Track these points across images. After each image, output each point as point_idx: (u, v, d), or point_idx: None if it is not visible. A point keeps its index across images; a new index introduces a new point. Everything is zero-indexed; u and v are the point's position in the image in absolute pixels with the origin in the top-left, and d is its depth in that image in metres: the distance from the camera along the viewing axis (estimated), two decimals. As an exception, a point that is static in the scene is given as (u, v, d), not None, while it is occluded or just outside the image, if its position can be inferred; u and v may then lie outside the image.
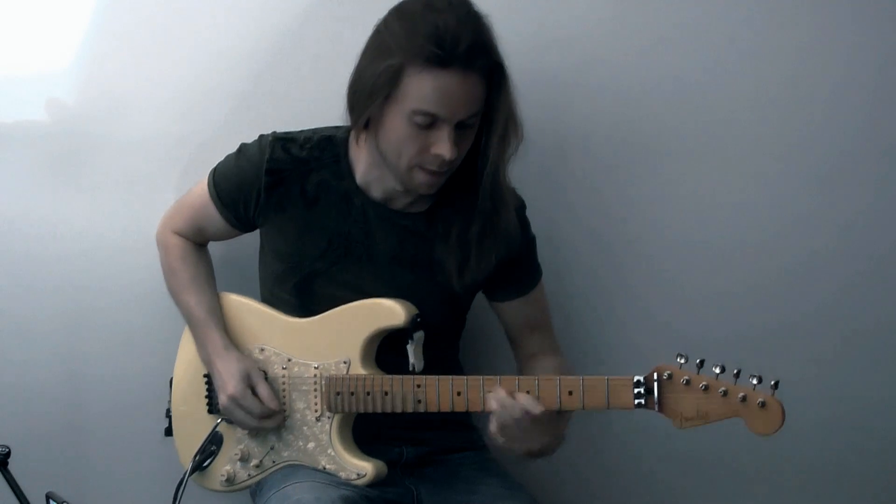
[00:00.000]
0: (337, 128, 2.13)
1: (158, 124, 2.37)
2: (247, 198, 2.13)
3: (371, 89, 1.93)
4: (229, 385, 2.06)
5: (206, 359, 2.13)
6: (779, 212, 2.43)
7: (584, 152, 2.41)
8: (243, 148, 2.15)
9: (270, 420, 2.06)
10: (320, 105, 2.27)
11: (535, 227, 2.19)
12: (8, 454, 1.79)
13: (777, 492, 2.47)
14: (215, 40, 2.36)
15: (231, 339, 2.13)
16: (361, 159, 2.09)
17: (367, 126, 1.99)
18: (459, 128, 1.94)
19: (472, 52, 1.90)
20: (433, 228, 2.11)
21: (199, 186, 2.20)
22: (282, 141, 2.12)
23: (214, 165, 2.18)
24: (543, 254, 2.22)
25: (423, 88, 1.90)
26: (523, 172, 2.11)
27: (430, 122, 1.92)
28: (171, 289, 2.23)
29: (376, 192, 2.10)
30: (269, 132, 2.13)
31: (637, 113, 2.41)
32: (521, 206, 2.16)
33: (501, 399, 1.90)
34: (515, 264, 2.16)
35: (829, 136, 2.41)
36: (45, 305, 2.39)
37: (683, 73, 2.40)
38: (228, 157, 2.17)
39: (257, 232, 2.19)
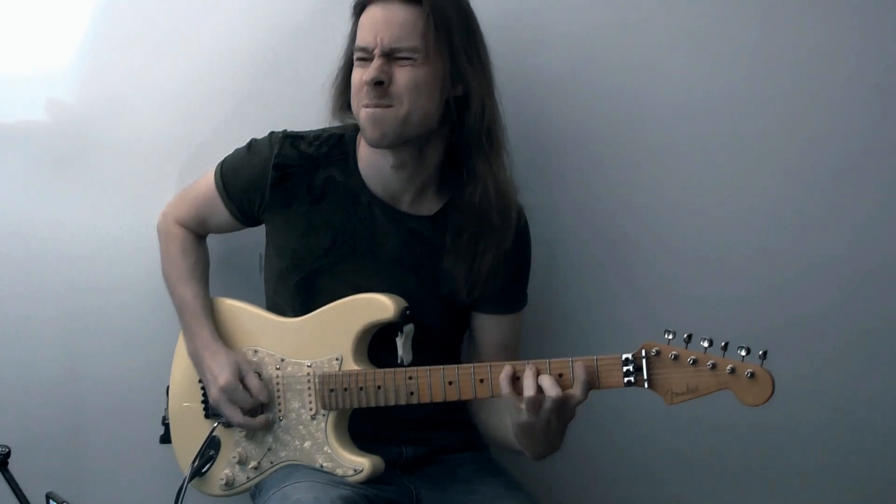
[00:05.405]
0: (345, 127, 2.14)
1: (158, 124, 2.38)
2: (253, 192, 2.14)
3: (344, 61, 2.07)
4: (221, 377, 2.06)
5: (193, 351, 2.13)
6: (780, 213, 2.41)
7: (583, 150, 2.40)
8: (253, 143, 2.17)
9: (259, 419, 2.06)
10: (320, 106, 2.27)
11: (533, 224, 2.18)
12: (8, 454, 1.79)
13: (777, 492, 2.46)
14: (215, 41, 2.37)
15: (226, 342, 2.13)
16: (364, 156, 2.10)
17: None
18: (396, 59, 1.97)
19: None
20: (439, 233, 2.11)
21: (206, 178, 2.21)
22: (291, 138, 2.13)
23: (222, 158, 2.19)
24: (541, 249, 2.22)
25: (356, 31, 2.03)
26: (519, 168, 2.10)
27: (364, 59, 1.99)
28: (167, 277, 2.24)
29: (379, 191, 2.11)
30: (279, 130, 2.15)
31: (639, 111, 2.40)
32: (524, 226, 2.16)
33: (544, 381, 1.88)
34: (510, 282, 2.15)
35: (832, 135, 2.40)
36: (45, 305, 2.39)
37: (685, 73, 2.39)
38: (238, 150, 2.18)
39: (260, 232, 2.20)
